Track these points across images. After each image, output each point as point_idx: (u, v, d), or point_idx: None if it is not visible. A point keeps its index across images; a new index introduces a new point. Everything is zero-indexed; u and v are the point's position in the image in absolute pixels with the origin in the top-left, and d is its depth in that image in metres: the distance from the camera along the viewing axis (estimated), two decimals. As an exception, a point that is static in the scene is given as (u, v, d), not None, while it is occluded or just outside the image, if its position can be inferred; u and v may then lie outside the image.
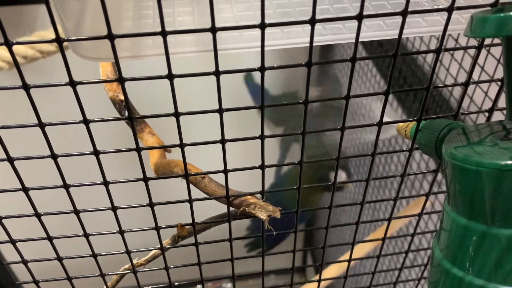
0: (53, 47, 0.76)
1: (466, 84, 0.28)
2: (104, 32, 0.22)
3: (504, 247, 0.21)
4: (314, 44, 0.26)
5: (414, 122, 0.29)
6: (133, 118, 0.25)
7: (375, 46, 0.86)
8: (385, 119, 0.29)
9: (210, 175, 0.33)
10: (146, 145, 0.40)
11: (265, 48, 0.25)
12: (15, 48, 0.73)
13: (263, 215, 0.30)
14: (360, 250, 0.71)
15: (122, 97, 0.40)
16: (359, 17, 0.23)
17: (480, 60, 0.57)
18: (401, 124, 0.31)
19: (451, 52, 0.63)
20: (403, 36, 0.26)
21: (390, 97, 0.79)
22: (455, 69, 0.64)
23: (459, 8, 0.24)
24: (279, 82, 1.13)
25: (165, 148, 0.40)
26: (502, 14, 0.19)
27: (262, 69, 0.24)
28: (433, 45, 0.69)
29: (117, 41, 0.23)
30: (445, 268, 0.24)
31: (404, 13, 0.23)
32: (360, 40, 0.26)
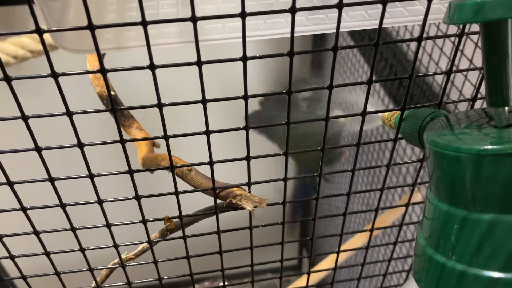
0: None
1: (448, 73, 0.28)
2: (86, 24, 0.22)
3: (484, 232, 0.21)
4: (297, 34, 0.26)
5: (398, 112, 0.29)
6: (116, 109, 0.25)
7: (365, 41, 0.87)
8: (372, 109, 0.29)
9: (197, 168, 0.33)
10: (134, 140, 0.40)
11: (249, 39, 0.26)
12: (6, 48, 0.73)
13: (249, 206, 0.30)
14: (355, 243, 0.71)
15: (110, 85, 0.40)
16: (339, 6, 0.23)
17: (469, 52, 0.57)
18: (386, 114, 0.31)
19: (434, 40, 0.63)
20: (385, 26, 0.26)
21: (377, 86, 0.79)
22: (437, 56, 0.65)
23: (439, -4, 0.24)
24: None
25: (152, 141, 0.40)
26: (478, 0, 0.19)
27: (244, 59, 0.24)
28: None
29: (100, 33, 0.23)
30: (428, 255, 0.24)
31: (384, 1, 0.23)
32: (343, 30, 0.27)
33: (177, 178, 0.31)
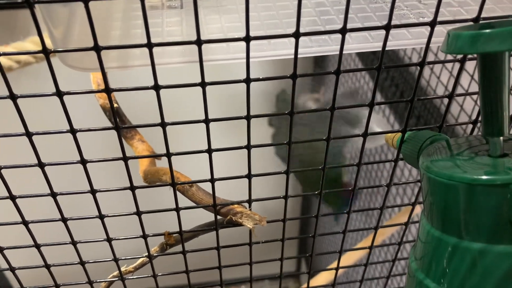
0: (47, 51, 0.76)
1: (450, 97, 0.28)
2: (92, 42, 0.22)
3: (474, 260, 0.21)
4: (301, 56, 0.26)
5: (400, 133, 0.29)
6: (120, 128, 0.25)
7: (369, 56, 0.87)
8: (376, 129, 0.29)
9: (199, 184, 0.33)
10: (136, 152, 0.40)
11: (253, 60, 0.26)
12: (9, 52, 0.73)
13: (249, 224, 0.30)
14: (352, 256, 0.71)
15: (113, 104, 0.40)
16: (343, 31, 0.23)
17: (470, 67, 0.57)
18: (389, 134, 0.31)
19: (436, 54, 0.63)
20: (388, 48, 0.26)
21: (380, 98, 0.79)
22: (439, 69, 0.65)
23: (442, 23, 0.24)
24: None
25: (153, 156, 0.40)
26: (475, 32, 0.19)
27: (247, 80, 0.25)
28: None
29: (105, 52, 0.23)
30: (419, 279, 0.24)
31: (387, 27, 0.24)
32: (346, 52, 0.27)
33: (178, 193, 0.32)
